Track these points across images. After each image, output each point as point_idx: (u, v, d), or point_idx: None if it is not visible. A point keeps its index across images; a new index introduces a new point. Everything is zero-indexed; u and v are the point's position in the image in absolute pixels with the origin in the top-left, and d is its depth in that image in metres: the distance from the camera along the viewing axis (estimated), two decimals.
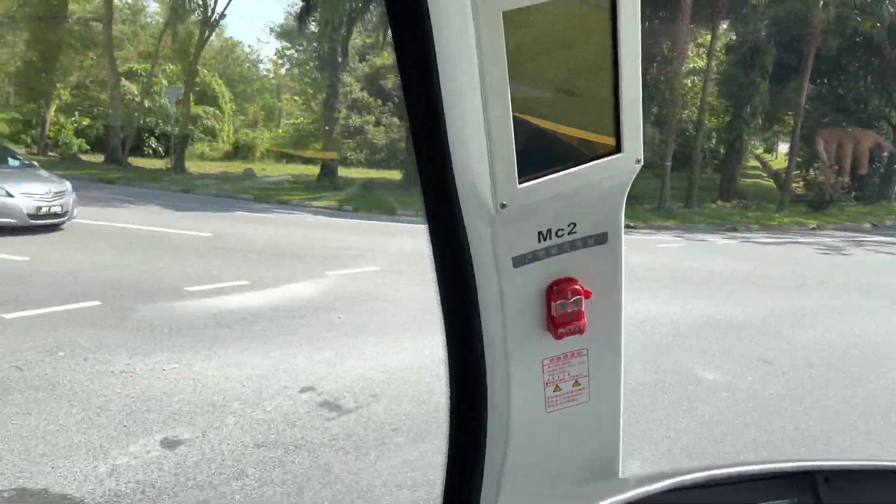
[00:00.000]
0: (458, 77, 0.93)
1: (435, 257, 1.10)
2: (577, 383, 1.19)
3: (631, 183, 1.07)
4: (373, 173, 28.99)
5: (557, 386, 1.17)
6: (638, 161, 1.03)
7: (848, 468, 1.30)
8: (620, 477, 1.27)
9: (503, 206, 0.97)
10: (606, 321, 1.16)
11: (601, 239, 1.09)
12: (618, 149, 1.00)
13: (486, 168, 0.95)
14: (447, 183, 1.01)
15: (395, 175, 26.89)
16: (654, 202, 21.05)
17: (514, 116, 0.93)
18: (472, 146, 0.96)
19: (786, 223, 20.03)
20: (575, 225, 1.06)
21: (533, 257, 1.07)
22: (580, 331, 1.11)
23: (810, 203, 22.79)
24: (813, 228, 19.77)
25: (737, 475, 1.25)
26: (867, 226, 20.92)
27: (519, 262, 1.06)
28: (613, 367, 1.21)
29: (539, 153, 0.99)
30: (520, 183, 0.96)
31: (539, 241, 1.06)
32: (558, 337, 1.10)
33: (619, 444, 1.28)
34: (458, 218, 1.04)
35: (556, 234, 1.06)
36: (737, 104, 24.97)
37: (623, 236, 1.13)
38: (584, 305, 1.10)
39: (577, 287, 1.09)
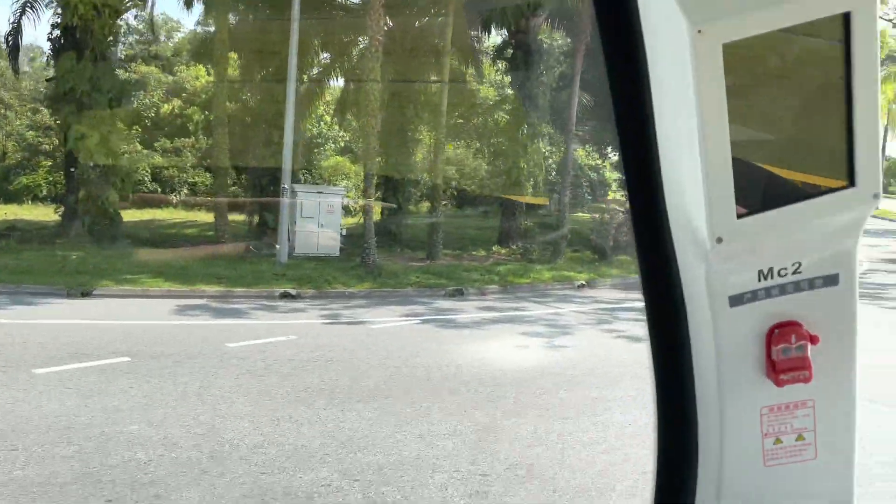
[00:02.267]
0: (672, 112, 0.93)
1: (645, 293, 1.08)
2: (801, 437, 1.10)
3: (867, 219, 1.00)
4: None
5: (778, 438, 1.10)
6: (876, 195, 0.97)
7: None
8: None
9: (720, 240, 0.95)
10: (836, 371, 1.07)
11: (831, 280, 1.03)
12: (851, 183, 0.95)
13: (702, 199, 0.92)
14: (659, 213, 1.00)
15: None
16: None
17: (733, 149, 0.91)
18: (685, 180, 0.94)
19: (546, 279, 14.24)
20: (800, 264, 1.01)
21: (752, 297, 1.02)
22: (805, 379, 1.04)
23: (596, 248, 17.42)
24: (581, 286, 14.10)
25: None
26: None
27: (736, 301, 1.02)
28: (846, 423, 1.11)
29: (761, 187, 0.96)
30: (739, 217, 0.94)
31: (759, 280, 1.01)
32: (779, 384, 1.04)
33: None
34: (670, 251, 1.03)
35: (779, 273, 1.01)
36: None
37: (857, 278, 1.05)
38: (809, 352, 1.03)
39: (803, 331, 1.03)
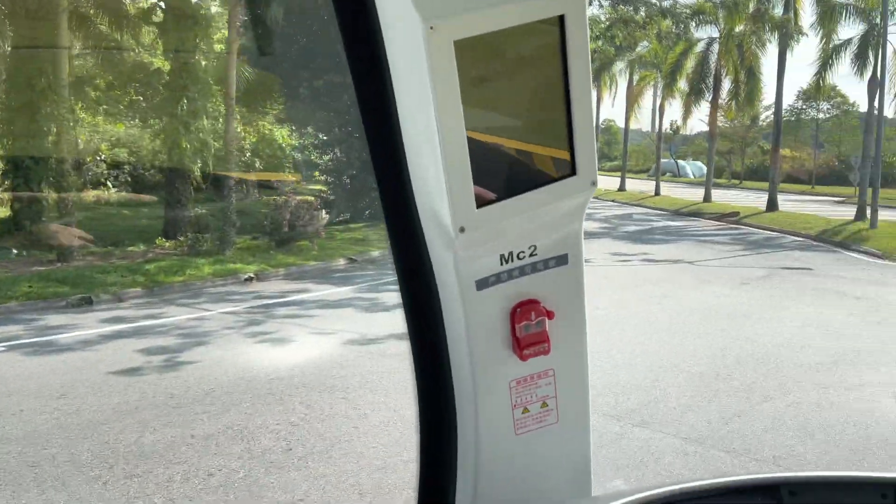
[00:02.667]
0: (412, 107, 0.99)
1: (400, 282, 1.14)
2: (544, 405, 1.21)
3: (587, 204, 1.12)
4: None
5: (526, 408, 1.20)
6: (593, 183, 1.08)
7: (812, 480, 1.31)
8: (593, 495, 1.29)
9: (462, 229, 1.01)
10: (571, 342, 1.20)
11: (562, 260, 1.14)
12: (573, 172, 1.06)
13: (445, 194, 0.98)
14: (408, 207, 1.06)
15: None
16: None
17: (470, 144, 0.98)
18: (429, 173, 1.00)
19: (205, 274, 12.47)
20: (535, 247, 1.11)
21: (496, 280, 1.10)
22: (545, 351, 1.15)
23: (272, 235, 16.00)
24: (248, 279, 12.61)
25: (706, 489, 1.26)
26: (341, 262, 14.79)
27: (482, 284, 1.09)
28: (580, 387, 1.24)
29: (497, 178, 1.03)
30: (478, 207, 1.01)
31: (502, 264, 1.10)
32: (524, 358, 1.14)
33: (590, 464, 1.30)
34: (420, 243, 1.09)
35: (518, 256, 1.10)
36: None
37: (583, 257, 1.16)
38: (547, 326, 1.14)
39: (541, 308, 1.13)
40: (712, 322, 9.04)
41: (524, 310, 1.13)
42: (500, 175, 1.04)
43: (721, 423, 5.57)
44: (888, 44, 20.99)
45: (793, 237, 20.19)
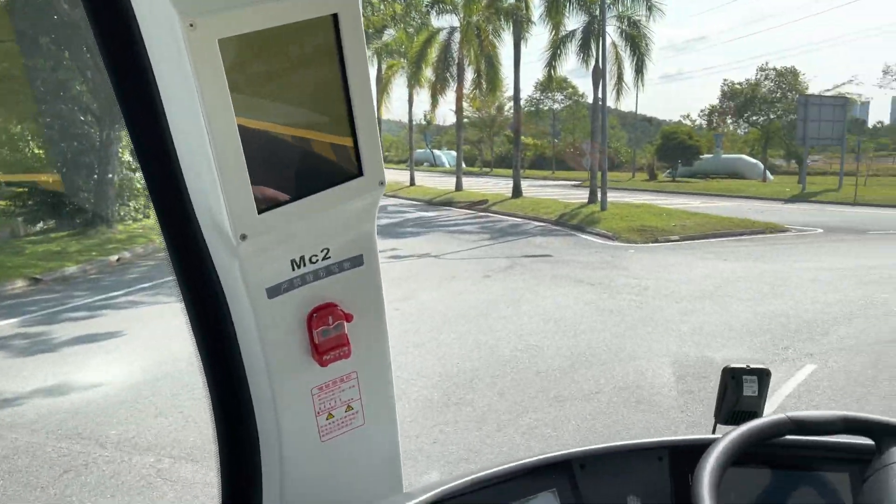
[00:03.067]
0: (180, 110, 0.92)
1: (182, 292, 1.07)
2: (349, 408, 1.19)
3: (378, 204, 1.10)
4: None
5: (330, 413, 1.17)
6: (381, 182, 1.07)
7: (599, 452, 1.37)
8: (405, 492, 1.28)
9: (244, 237, 0.96)
10: (372, 343, 1.19)
11: (357, 262, 1.12)
12: (360, 172, 1.04)
13: (222, 200, 0.93)
14: (186, 216, 1.00)
15: None
16: None
17: (248, 147, 0.93)
18: (204, 179, 0.94)
19: None
20: (329, 250, 1.09)
21: (289, 286, 1.07)
22: (346, 355, 1.13)
23: None
24: None
25: (503, 473, 1.30)
26: (19, 284, 11.74)
27: (274, 292, 1.05)
28: (385, 387, 1.23)
29: (279, 181, 0.99)
30: (259, 213, 0.96)
31: (293, 269, 1.06)
32: (324, 364, 1.11)
33: (400, 460, 1.29)
34: (203, 252, 1.02)
35: (311, 260, 1.07)
36: None
37: (379, 257, 1.15)
38: (346, 329, 1.12)
39: (339, 311, 1.11)
40: (451, 327, 8.13)
41: (321, 314, 1.10)
42: (284, 178, 1.00)
43: (448, 467, 4.48)
44: (607, 35, 22.41)
45: (536, 222, 20.75)
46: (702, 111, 49.14)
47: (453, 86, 29.85)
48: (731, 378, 1.38)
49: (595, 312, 8.86)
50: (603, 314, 8.75)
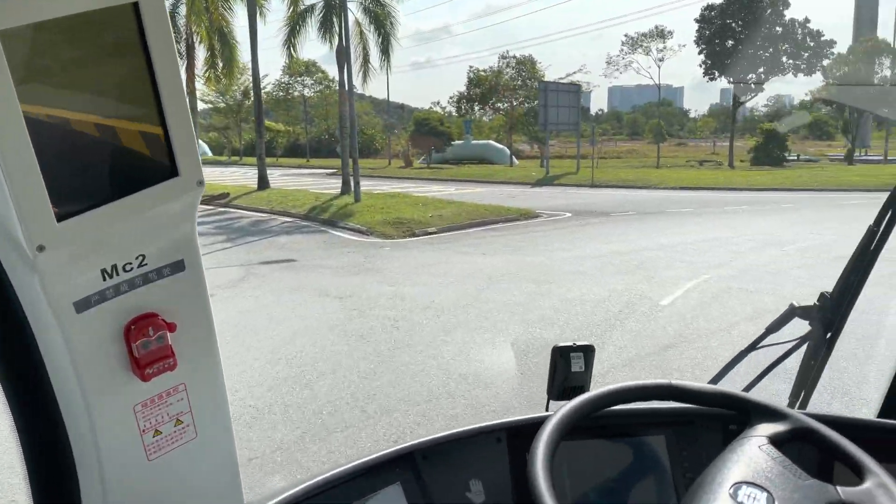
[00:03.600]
0: None
1: None
2: (179, 422, 1.13)
3: (198, 205, 1.04)
4: None
5: (157, 430, 1.11)
6: (200, 182, 1.01)
7: (439, 440, 1.38)
8: (246, 502, 1.26)
9: (41, 248, 0.89)
10: (200, 351, 1.13)
11: (178, 267, 1.06)
12: (175, 172, 0.97)
13: (11, 207, 0.86)
14: None
15: None
16: None
17: (42, 145, 0.85)
18: None
19: None
20: (145, 256, 1.02)
21: (100, 298, 0.99)
22: (171, 367, 1.06)
23: None
24: None
25: (346, 473, 1.29)
26: None
27: (83, 305, 0.98)
28: (217, 397, 1.17)
29: (82, 184, 0.93)
30: (59, 220, 0.89)
31: (105, 280, 0.99)
32: (146, 378, 1.04)
33: (238, 471, 1.25)
34: None
35: (125, 268, 1.00)
36: None
37: (202, 260, 1.09)
38: (170, 339, 1.05)
39: (160, 321, 1.04)
40: None
41: (140, 326, 1.02)
42: (88, 180, 0.92)
43: None
44: (349, 12, 20.71)
45: (283, 218, 18.47)
46: (450, 98, 50.05)
47: (182, 64, 26.09)
48: (560, 356, 1.47)
49: (341, 340, 7.03)
50: (351, 342, 6.96)
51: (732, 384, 1.34)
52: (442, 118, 47.57)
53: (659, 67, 44.23)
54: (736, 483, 0.97)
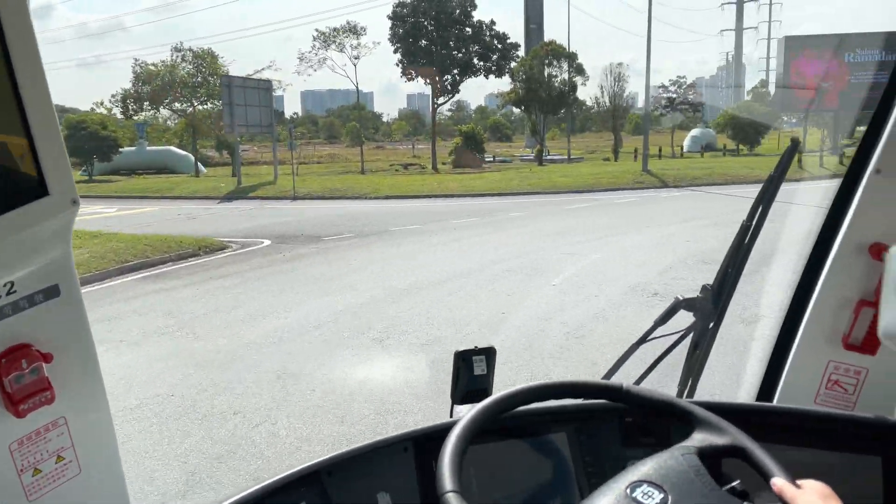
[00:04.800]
0: None
1: None
2: (60, 458, 1.07)
3: (73, 225, 0.99)
4: None
5: (36, 468, 1.05)
6: (74, 201, 0.97)
7: (346, 456, 1.32)
8: None
9: None
10: (81, 381, 1.07)
11: (52, 292, 1.00)
12: (45, 192, 0.92)
13: None
14: None
15: None
16: None
17: None
18: None
19: None
20: (13, 284, 0.96)
21: None
22: (49, 400, 1.01)
23: None
24: None
25: (250, 498, 1.18)
26: None
27: None
28: (102, 428, 1.12)
29: None
30: None
31: None
32: (21, 414, 0.99)
33: (128, 501, 1.20)
34: None
35: None
36: None
37: (78, 282, 1.04)
38: (46, 371, 1.00)
39: (34, 352, 0.99)
40: None
41: (12, 358, 0.96)
42: None
43: None
44: None
45: None
46: (113, 96, 41.49)
47: None
48: (462, 360, 1.46)
49: None
50: None
51: (626, 377, 1.37)
52: (105, 120, 38.99)
53: (355, 66, 41.45)
54: (637, 481, 0.97)
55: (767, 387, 1.75)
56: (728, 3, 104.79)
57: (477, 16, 41.86)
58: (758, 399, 1.76)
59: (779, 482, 0.96)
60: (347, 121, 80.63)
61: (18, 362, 0.96)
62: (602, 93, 44.55)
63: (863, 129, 1.57)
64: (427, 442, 1.35)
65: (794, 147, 1.60)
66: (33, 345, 0.98)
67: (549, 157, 43.37)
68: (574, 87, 41.41)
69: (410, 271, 10.40)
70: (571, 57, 40.95)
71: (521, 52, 43.77)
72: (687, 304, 1.70)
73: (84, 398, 1.08)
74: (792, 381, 1.69)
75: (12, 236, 0.90)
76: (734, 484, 0.97)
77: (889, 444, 1.30)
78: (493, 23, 41.45)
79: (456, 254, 11.95)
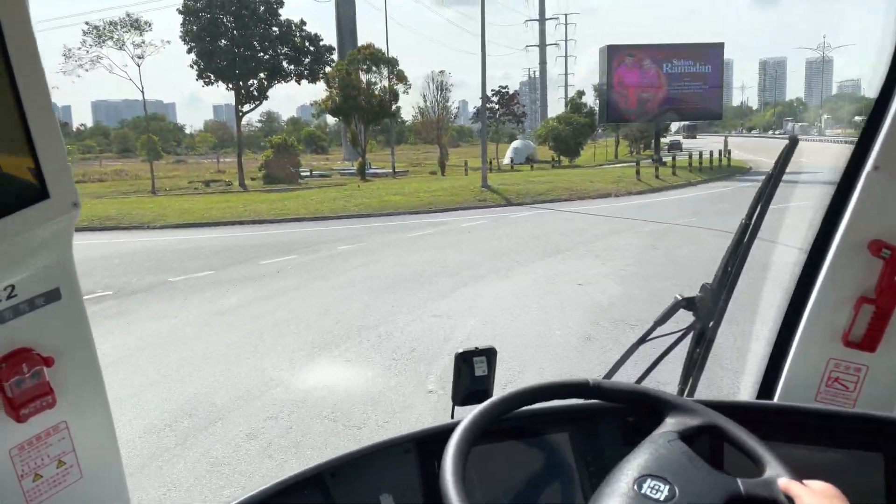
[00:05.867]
0: None
1: None
2: (61, 463, 1.07)
3: (73, 228, 0.99)
4: None
5: (37, 474, 1.05)
6: (75, 204, 0.96)
7: (349, 457, 1.30)
8: None
9: None
10: (83, 385, 1.07)
11: (53, 296, 1.00)
12: (45, 195, 0.92)
13: None
14: None
15: None
16: None
17: None
18: None
19: None
20: (13, 287, 0.95)
21: None
22: (50, 405, 1.01)
23: None
24: None
25: (254, 500, 1.17)
26: None
27: None
28: (104, 431, 1.12)
29: None
30: None
31: None
32: (22, 420, 0.99)
33: None
34: None
35: None
36: None
37: (80, 286, 1.03)
38: (48, 375, 1.00)
39: (35, 356, 0.99)
40: None
41: (12, 363, 0.96)
42: None
43: None
44: None
45: None
46: None
47: None
48: (463, 362, 1.44)
49: None
50: None
51: (626, 377, 1.42)
52: None
53: (139, 66, 35.16)
54: (640, 476, 0.98)
55: (768, 385, 1.74)
56: (532, 20, 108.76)
57: (285, 15, 37.39)
58: (758, 397, 1.76)
59: (784, 481, 0.97)
60: (143, 132, 71.69)
61: (19, 366, 0.96)
62: (425, 102, 41.63)
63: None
64: (429, 443, 1.34)
65: (793, 146, 1.55)
66: (34, 349, 0.99)
67: (372, 171, 39.88)
68: (396, 96, 38.20)
69: (166, 392, 6.12)
70: (391, 62, 37.72)
71: (337, 57, 39.83)
72: (686, 303, 1.67)
73: (85, 402, 1.07)
74: (792, 379, 1.68)
75: (13, 239, 0.90)
76: None
77: (891, 440, 1.32)
78: (303, 23, 37.11)
79: (256, 338, 7.63)
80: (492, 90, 46.18)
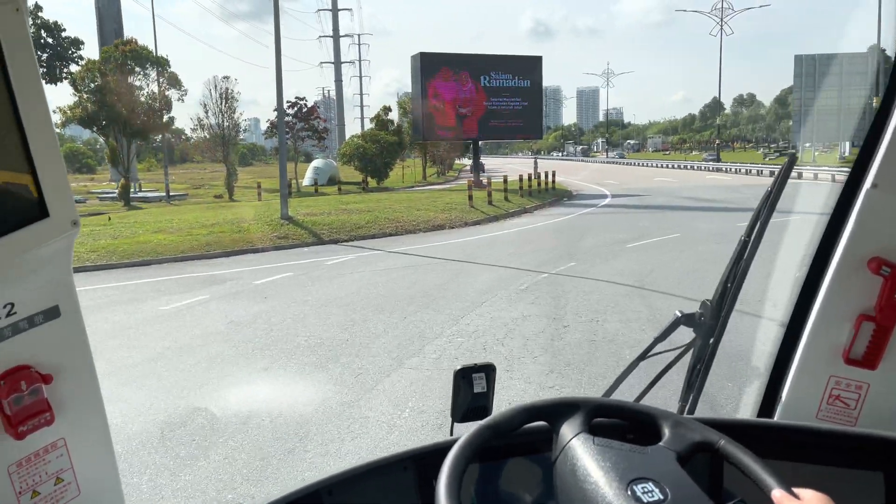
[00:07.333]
0: None
1: None
2: (59, 480, 1.07)
3: (73, 246, 0.99)
4: None
5: (35, 491, 1.04)
6: (74, 223, 0.97)
7: (346, 475, 1.29)
8: None
9: None
10: (81, 402, 1.07)
11: (52, 314, 1.00)
12: (45, 214, 0.93)
13: None
14: None
15: None
16: None
17: None
18: None
19: None
20: (13, 305, 0.95)
21: None
22: (48, 422, 1.01)
23: None
24: None
25: None
26: None
27: None
28: (102, 450, 1.12)
29: None
30: None
31: None
32: (20, 437, 0.98)
33: None
34: None
35: None
36: None
37: (80, 305, 1.03)
38: (46, 393, 1.00)
39: (34, 374, 0.99)
40: None
41: (11, 380, 0.96)
42: None
43: None
44: None
45: None
46: None
47: None
48: (462, 378, 1.42)
49: None
50: None
51: (627, 395, 1.41)
52: None
53: None
54: (633, 479, 0.98)
55: (768, 402, 1.74)
56: (325, 36, 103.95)
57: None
58: (759, 415, 1.75)
59: (778, 493, 0.96)
60: None
61: (18, 384, 0.95)
62: (206, 112, 34.53)
63: None
64: (427, 460, 1.34)
65: (791, 163, 1.55)
66: (33, 366, 0.98)
67: (140, 195, 32.33)
68: (168, 104, 31.14)
69: None
70: (161, 63, 30.67)
71: (95, 57, 31.82)
72: (686, 319, 1.66)
73: (84, 419, 1.07)
74: (793, 397, 1.67)
75: (13, 258, 0.90)
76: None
77: (891, 459, 1.32)
78: (38, 7, 28.91)
79: None
80: (288, 101, 40.41)
